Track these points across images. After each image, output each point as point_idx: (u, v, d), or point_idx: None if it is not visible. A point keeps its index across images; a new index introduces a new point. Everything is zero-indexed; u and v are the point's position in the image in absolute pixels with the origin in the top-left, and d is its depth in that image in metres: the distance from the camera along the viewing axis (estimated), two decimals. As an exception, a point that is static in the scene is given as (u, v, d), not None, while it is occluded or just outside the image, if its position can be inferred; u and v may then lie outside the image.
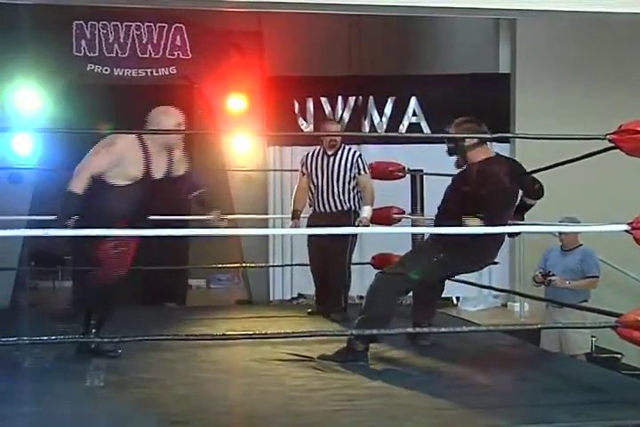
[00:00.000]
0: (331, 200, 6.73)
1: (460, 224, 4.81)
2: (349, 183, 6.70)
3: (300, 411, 3.92)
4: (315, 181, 6.78)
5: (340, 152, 6.74)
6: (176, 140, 5.12)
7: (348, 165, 6.70)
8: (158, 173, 5.07)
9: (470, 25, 10.03)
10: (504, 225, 5.01)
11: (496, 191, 4.97)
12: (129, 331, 4.19)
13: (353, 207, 6.73)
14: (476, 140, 5.08)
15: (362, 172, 6.72)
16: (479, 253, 5.10)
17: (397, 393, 4.25)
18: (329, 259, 6.73)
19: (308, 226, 6.80)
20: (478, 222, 4.84)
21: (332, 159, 6.74)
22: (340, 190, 6.70)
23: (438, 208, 5.33)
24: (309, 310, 6.97)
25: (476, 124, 5.17)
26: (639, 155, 4.05)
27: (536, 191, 5.23)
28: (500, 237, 5.18)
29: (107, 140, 5.03)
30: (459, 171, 5.28)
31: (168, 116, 5.14)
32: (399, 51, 10.82)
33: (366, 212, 6.59)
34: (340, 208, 6.71)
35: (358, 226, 6.49)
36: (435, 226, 5.36)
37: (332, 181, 6.71)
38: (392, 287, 5.02)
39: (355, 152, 6.81)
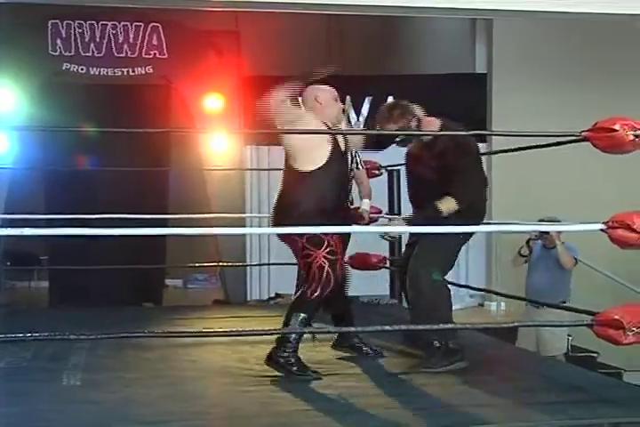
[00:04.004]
0: None
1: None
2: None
3: (280, 411, 3.91)
4: None
5: None
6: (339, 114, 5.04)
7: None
8: None
9: (447, 25, 10.07)
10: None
11: (471, 153, 4.98)
12: (106, 330, 4.17)
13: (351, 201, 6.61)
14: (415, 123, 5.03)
15: (359, 166, 6.43)
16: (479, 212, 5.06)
17: (375, 392, 4.25)
18: None
19: None
20: (452, 202, 4.83)
21: None
22: None
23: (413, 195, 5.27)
24: None
25: (404, 107, 5.09)
26: (613, 152, 4.07)
27: None
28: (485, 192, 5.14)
29: None
30: (414, 148, 5.20)
31: (323, 92, 5.08)
32: (376, 50, 10.83)
33: (367, 205, 6.51)
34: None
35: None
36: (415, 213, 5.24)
37: None
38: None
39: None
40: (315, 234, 4.61)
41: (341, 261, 4.82)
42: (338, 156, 4.85)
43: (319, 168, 4.75)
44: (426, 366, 4.73)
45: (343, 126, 5.17)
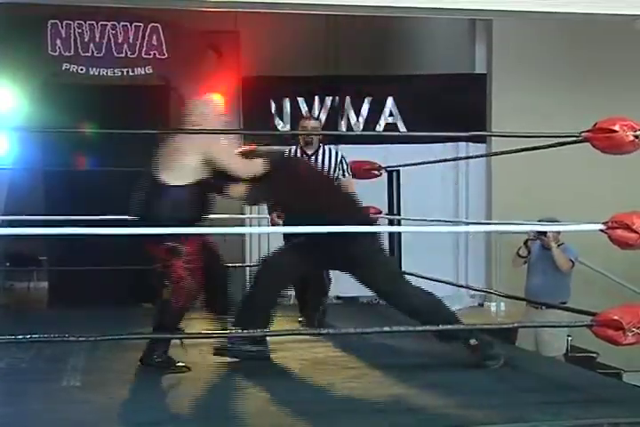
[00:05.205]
0: None
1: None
2: None
3: (277, 412, 3.91)
4: None
5: (320, 152, 6.42)
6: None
7: (332, 166, 6.39)
8: None
9: (446, 25, 10.06)
10: None
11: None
12: (105, 331, 4.16)
13: None
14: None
15: (345, 174, 6.43)
16: None
17: (373, 393, 4.26)
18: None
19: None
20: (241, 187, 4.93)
21: (312, 159, 6.38)
22: None
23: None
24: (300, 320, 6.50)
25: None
26: (613, 152, 4.07)
27: None
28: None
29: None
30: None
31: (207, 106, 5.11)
32: (376, 51, 10.81)
33: None
34: None
35: None
36: None
37: None
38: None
39: (337, 153, 6.50)
40: (173, 244, 4.64)
41: (200, 270, 4.82)
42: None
43: (191, 183, 4.75)
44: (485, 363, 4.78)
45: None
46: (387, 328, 4.75)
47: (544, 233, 7.03)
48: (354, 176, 6.74)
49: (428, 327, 4.63)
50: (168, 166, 4.77)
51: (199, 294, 4.88)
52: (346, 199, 5.16)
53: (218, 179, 4.89)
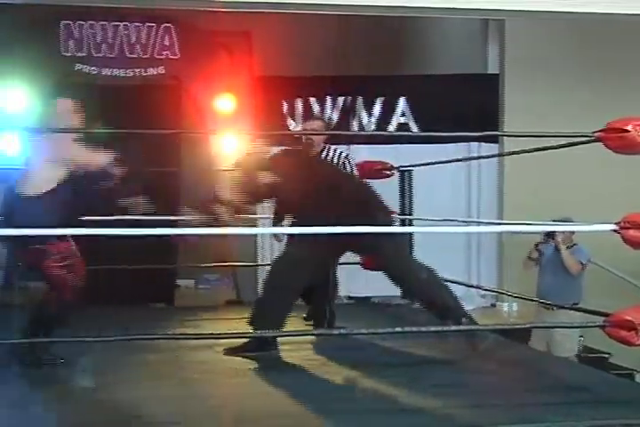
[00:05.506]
0: None
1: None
2: None
3: (288, 412, 3.91)
4: None
5: (324, 152, 6.31)
6: None
7: None
8: None
9: (459, 25, 10.05)
10: None
11: None
12: (115, 331, 4.18)
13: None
14: None
15: None
16: None
17: (377, 393, 4.26)
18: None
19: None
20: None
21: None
22: None
23: None
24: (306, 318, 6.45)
25: None
26: (625, 152, 4.06)
27: None
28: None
29: None
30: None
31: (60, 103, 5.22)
32: (388, 51, 10.82)
33: None
34: None
35: None
36: None
37: None
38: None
39: (341, 153, 6.38)
40: (40, 246, 4.73)
41: (78, 263, 4.91)
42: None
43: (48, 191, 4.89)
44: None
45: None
46: (399, 329, 4.76)
47: (553, 235, 7.02)
48: (365, 176, 6.68)
49: (440, 328, 4.62)
50: (26, 177, 5.02)
51: (82, 289, 4.94)
52: (357, 193, 5.19)
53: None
